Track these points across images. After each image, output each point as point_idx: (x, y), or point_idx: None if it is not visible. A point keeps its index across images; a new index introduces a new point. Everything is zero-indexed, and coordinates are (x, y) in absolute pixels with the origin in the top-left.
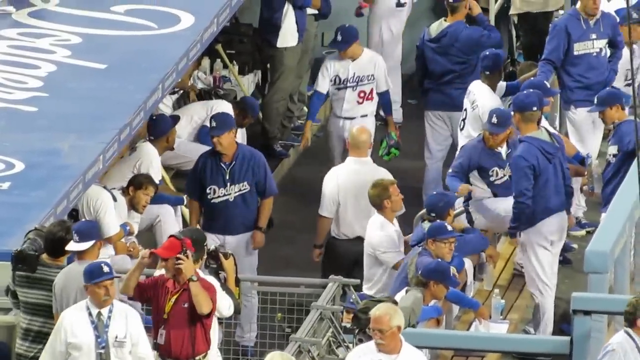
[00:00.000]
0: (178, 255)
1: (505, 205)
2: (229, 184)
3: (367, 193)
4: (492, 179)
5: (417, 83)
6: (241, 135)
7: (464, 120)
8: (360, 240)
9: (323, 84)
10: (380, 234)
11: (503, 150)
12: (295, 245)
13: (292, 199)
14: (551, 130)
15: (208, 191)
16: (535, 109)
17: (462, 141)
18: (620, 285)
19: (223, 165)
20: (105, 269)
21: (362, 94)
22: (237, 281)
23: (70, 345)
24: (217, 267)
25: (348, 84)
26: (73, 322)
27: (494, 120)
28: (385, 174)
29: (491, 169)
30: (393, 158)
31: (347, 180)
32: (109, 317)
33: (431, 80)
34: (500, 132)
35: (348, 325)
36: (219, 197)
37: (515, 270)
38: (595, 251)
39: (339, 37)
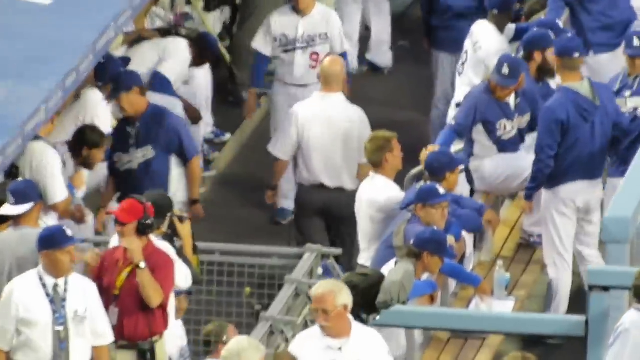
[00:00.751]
0: (127, 238)
1: (512, 163)
2: (132, 149)
3: (336, 136)
4: (498, 133)
5: (421, 21)
6: (204, 79)
7: (463, 64)
8: (324, 188)
9: (266, 44)
10: (388, 193)
11: (512, 99)
12: (266, 209)
13: (263, 155)
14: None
15: (115, 159)
16: (577, 55)
17: (460, 89)
18: None
19: (129, 127)
20: (69, 232)
21: (315, 57)
22: (195, 248)
23: (21, 322)
24: (171, 233)
25: (297, 45)
26: (25, 296)
27: (505, 70)
28: (360, 114)
29: (498, 121)
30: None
31: (312, 119)
32: (66, 290)
33: (440, 16)
34: (511, 84)
35: None
36: (123, 164)
37: (523, 239)
38: (614, 218)
39: None
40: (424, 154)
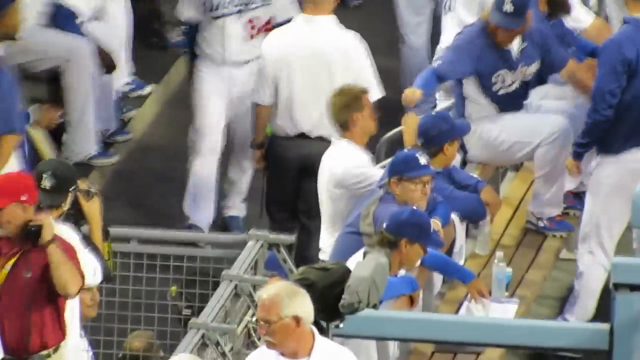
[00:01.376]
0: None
1: (515, 124)
2: None
3: (323, 71)
4: (495, 87)
5: None
6: (122, 14)
7: None
8: (305, 139)
9: (189, 8)
10: (347, 163)
11: (515, 43)
12: None
13: (188, 118)
14: None
15: None
16: None
17: (448, 30)
18: None
19: None
20: None
21: (252, 24)
22: (106, 234)
23: None
24: (74, 213)
25: (228, 10)
26: None
27: (508, 7)
28: (355, 43)
29: (496, 72)
30: None
31: (292, 48)
32: None
33: None
34: (517, 25)
35: None
36: None
37: (529, 224)
38: None
39: None
40: (407, 108)
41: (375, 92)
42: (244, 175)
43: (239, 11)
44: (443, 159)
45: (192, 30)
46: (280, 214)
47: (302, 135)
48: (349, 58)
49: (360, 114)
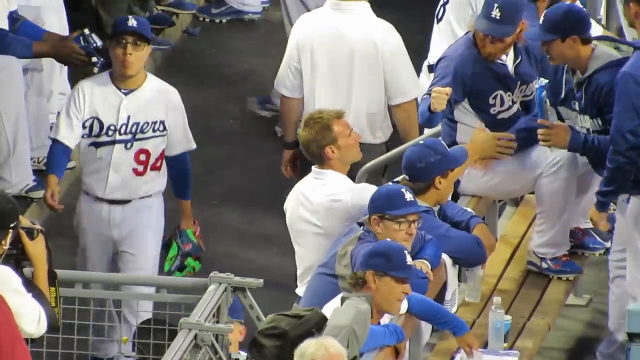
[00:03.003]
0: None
1: (519, 154)
2: None
3: (352, 64)
4: (494, 110)
5: None
6: (58, 23)
7: (444, 5)
8: None
9: (69, 129)
10: (327, 191)
11: (509, 59)
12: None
13: None
14: None
15: None
16: None
17: (436, 43)
18: None
19: None
20: None
21: (142, 157)
22: (53, 278)
23: None
24: (17, 253)
25: (117, 136)
26: None
27: (495, 13)
28: (390, 34)
29: (493, 93)
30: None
31: (317, 36)
32: None
33: None
34: (504, 34)
35: (239, 357)
36: None
37: (531, 265)
38: None
39: None
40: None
41: (408, 92)
42: None
43: (128, 141)
44: (435, 195)
45: (64, 155)
46: None
47: None
48: (376, 51)
49: (333, 147)
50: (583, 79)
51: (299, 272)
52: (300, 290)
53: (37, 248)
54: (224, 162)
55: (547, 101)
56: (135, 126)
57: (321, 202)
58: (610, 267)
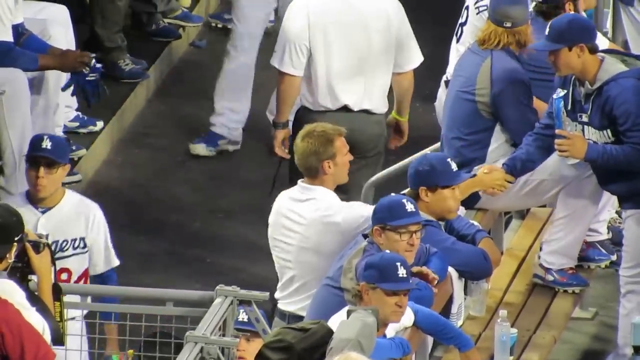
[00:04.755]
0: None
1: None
2: None
3: (362, 36)
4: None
5: None
6: (65, 37)
7: (461, 25)
8: (349, 111)
9: None
10: (329, 199)
11: None
12: (160, 229)
13: (150, 151)
14: None
15: None
16: None
17: (453, 62)
18: None
19: None
20: None
21: (64, 275)
22: (57, 291)
23: None
24: (22, 266)
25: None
26: None
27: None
28: (394, 5)
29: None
30: None
31: (328, 11)
32: None
33: None
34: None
35: None
36: None
37: (537, 278)
38: None
39: None
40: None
41: (416, 59)
42: None
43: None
44: (423, 206)
45: None
46: None
47: (345, 108)
48: (388, 22)
49: (331, 162)
50: (592, 90)
51: (280, 282)
52: (284, 303)
53: (42, 262)
54: (229, 175)
55: (565, 112)
56: (54, 244)
57: (313, 218)
58: (622, 282)
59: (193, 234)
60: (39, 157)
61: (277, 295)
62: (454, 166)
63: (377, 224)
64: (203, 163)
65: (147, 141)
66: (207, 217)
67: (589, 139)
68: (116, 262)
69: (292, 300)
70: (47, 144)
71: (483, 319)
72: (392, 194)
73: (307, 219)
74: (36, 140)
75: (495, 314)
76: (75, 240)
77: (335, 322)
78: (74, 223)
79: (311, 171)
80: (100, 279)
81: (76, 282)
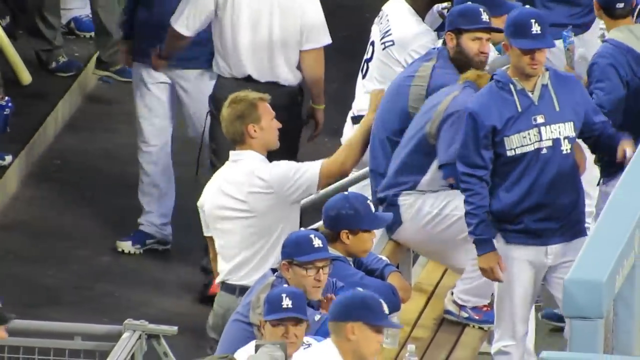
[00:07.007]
0: None
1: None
2: None
3: (270, 7)
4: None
5: None
6: None
7: (367, 61)
8: (254, 82)
9: None
10: (257, 161)
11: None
12: (69, 266)
13: (66, 186)
14: None
15: None
16: None
17: (365, 97)
18: (623, 339)
19: None
20: None
21: None
22: None
23: None
24: None
25: None
26: None
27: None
28: None
29: None
30: None
31: None
32: None
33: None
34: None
35: None
36: None
37: (449, 314)
38: (580, 280)
39: None
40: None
41: (321, 39)
42: None
43: None
44: (342, 248)
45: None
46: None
47: (250, 79)
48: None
49: (257, 126)
50: None
51: (228, 267)
52: (233, 279)
53: None
54: (138, 209)
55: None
56: None
57: (242, 181)
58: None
59: (101, 268)
60: None
61: (222, 276)
62: (373, 208)
63: (285, 258)
64: (110, 197)
65: (55, 176)
66: (115, 251)
67: None
68: None
69: (240, 274)
70: None
71: (392, 353)
72: (302, 229)
73: (237, 183)
74: None
75: (404, 348)
76: None
77: (242, 355)
78: None
79: (238, 137)
80: None
81: None
